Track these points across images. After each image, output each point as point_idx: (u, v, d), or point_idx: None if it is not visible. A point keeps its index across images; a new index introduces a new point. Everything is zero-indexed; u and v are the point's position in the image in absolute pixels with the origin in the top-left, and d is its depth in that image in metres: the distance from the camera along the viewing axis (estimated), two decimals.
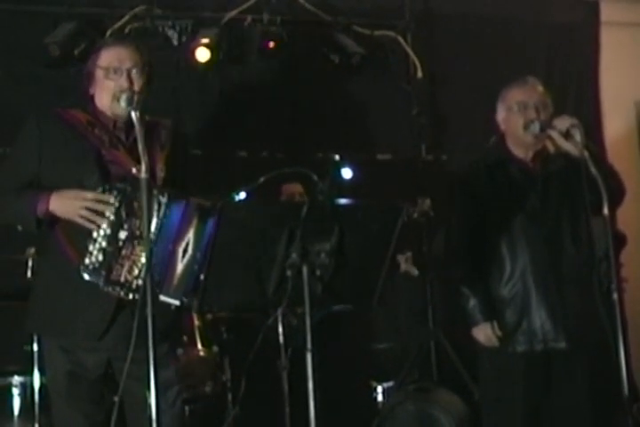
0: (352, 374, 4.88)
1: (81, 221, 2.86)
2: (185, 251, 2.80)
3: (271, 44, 5.07)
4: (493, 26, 5.60)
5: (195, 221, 2.81)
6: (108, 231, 2.84)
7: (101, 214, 2.84)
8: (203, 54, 5.05)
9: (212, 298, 2.75)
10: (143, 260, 2.75)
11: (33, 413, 3.96)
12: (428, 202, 4.73)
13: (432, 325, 5.06)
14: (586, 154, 3.28)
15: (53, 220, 2.95)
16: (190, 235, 2.80)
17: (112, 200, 2.85)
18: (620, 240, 3.70)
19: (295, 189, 4.27)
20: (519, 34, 5.63)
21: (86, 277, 2.83)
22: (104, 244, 2.84)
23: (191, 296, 2.73)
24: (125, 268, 2.82)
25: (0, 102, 4.78)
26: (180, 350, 4.06)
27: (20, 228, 3.12)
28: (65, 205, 2.89)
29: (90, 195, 2.86)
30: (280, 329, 4.21)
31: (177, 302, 2.79)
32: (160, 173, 2.98)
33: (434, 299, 5.11)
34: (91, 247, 2.84)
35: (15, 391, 4.08)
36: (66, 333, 2.96)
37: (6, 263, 4.14)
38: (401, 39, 5.38)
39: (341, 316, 4.73)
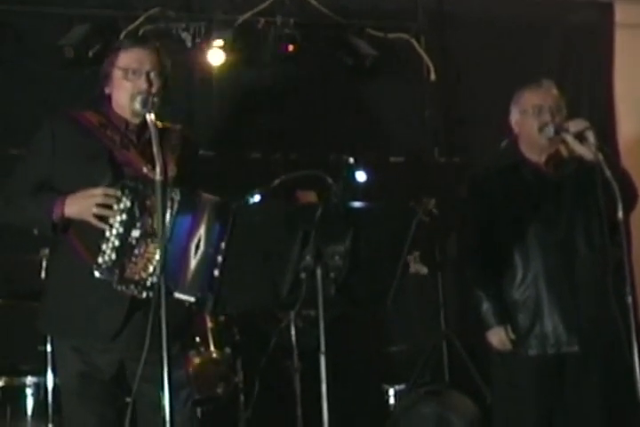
0: (364, 376, 4.88)
1: (94, 221, 2.87)
2: (197, 247, 2.82)
3: (290, 48, 5.08)
4: (507, 28, 5.58)
5: (205, 217, 2.83)
6: (121, 230, 2.85)
7: (111, 208, 2.85)
8: (216, 56, 5.07)
9: (226, 299, 2.76)
10: (157, 257, 2.76)
11: (46, 413, 3.97)
12: (432, 201, 4.74)
13: (444, 327, 5.05)
14: (600, 157, 3.28)
15: (68, 223, 2.97)
16: (202, 231, 2.82)
17: (120, 195, 2.85)
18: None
19: (309, 197, 4.27)
20: (533, 36, 5.61)
21: (99, 276, 2.83)
22: (117, 242, 2.85)
23: (205, 295, 2.74)
24: (139, 266, 2.83)
25: (15, 103, 4.80)
26: (192, 352, 4.06)
27: (35, 231, 3.15)
28: (78, 206, 2.91)
29: (98, 190, 2.88)
30: (292, 331, 4.21)
31: (192, 299, 2.81)
32: (171, 173, 2.98)
33: (446, 300, 5.11)
34: (104, 246, 2.85)
35: (28, 391, 4.09)
36: (79, 333, 2.97)
37: (20, 264, 4.16)
38: (414, 42, 5.37)
39: (353, 318, 4.74)
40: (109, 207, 2.86)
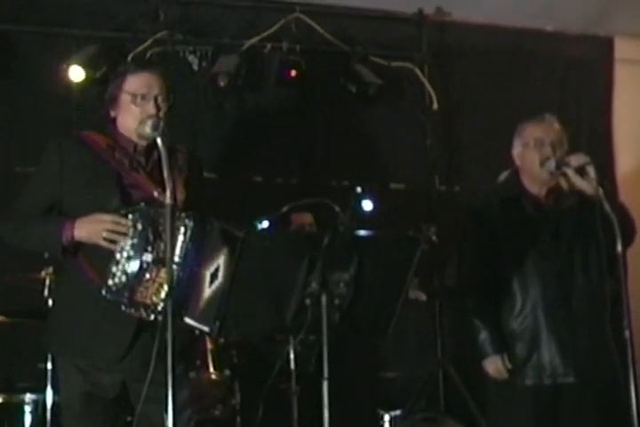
0: (359, 402, 4.88)
1: (105, 243, 2.90)
2: (214, 276, 2.83)
3: (293, 73, 5.14)
4: (509, 59, 5.66)
5: (226, 248, 2.84)
6: (132, 253, 2.89)
7: (122, 234, 2.88)
8: (221, 80, 5.12)
9: (231, 324, 2.78)
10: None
11: None
12: (433, 229, 4.76)
13: (440, 354, 5.08)
14: (600, 192, 3.34)
15: (78, 246, 2.99)
16: (221, 261, 2.83)
17: (131, 222, 2.88)
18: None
19: (305, 219, 4.30)
20: (534, 68, 5.69)
21: (109, 297, 2.86)
22: (127, 266, 2.88)
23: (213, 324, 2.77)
24: (151, 290, 2.86)
25: (21, 122, 4.84)
26: (192, 373, 4.08)
27: (46, 255, 3.17)
28: (88, 230, 2.93)
29: (108, 217, 2.91)
30: (292, 356, 4.23)
31: (205, 329, 2.83)
32: (180, 196, 3.02)
33: (442, 328, 5.14)
34: (114, 269, 2.88)
35: (27, 409, 4.09)
36: (85, 354, 2.99)
37: (22, 281, 4.18)
38: (417, 70, 5.44)
39: (350, 343, 4.76)
40: (121, 233, 2.89)
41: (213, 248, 2.86)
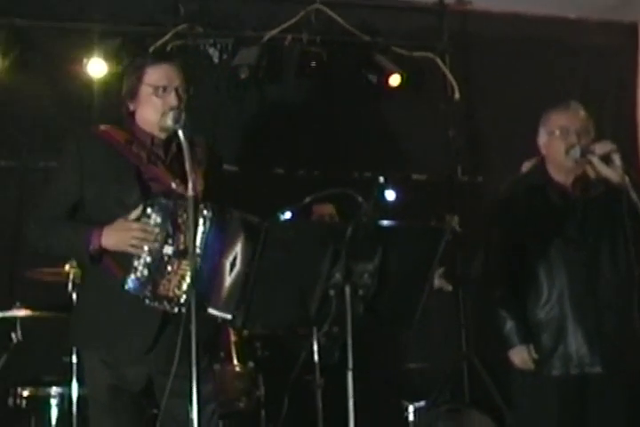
0: (384, 393, 4.88)
1: (132, 250, 2.90)
2: (233, 264, 2.84)
3: (313, 64, 5.12)
4: (531, 48, 5.62)
5: (242, 236, 2.85)
6: (152, 246, 2.89)
7: (149, 240, 2.88)
8: (242, 72, 5.11)
9: (256, 316, 2.79)
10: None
11: (71, 423, 3.99)
12: (456, 219, 4.75)
13: (465, 345, 5.06)
14: (626, 180, 3.30)
15: (104, 252, 2.98)
16: (238, 249, 2.85)
17: (151, 212, 2.88)
18: None
19: (326, 210, 4.28)
20: (557, 56, 5.65)
21: (132, 291, 2.86)
22: (149, 259, 2.88)
23: (236, 313, 2.77)
24: (173, 283, 2.86)
25: (46, 118, 4.87)
26: (216, 366, 4.08)
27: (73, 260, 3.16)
28: (116, 239, 2.92)
29: (136, 225, 2.89)
30: (315, 348, 4.22)
31: (228, 316, 2.83)
32: (199, 188, 3.00)
33: (467, 319, 5.12)
34: (135, 263, 2.88)
35: (53, 402, 4.11)
36: (110, 348, 3.00)
37: (47, 276, 4.20)
38: (439, 60, 5.42)
39: (374, 334, 4.75)
40: (148, 240, 2.88)
41: (232, 237, 2.87)
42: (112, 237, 2.93)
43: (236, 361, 4.31)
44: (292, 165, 5.29)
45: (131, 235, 2.89)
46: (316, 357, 4.23)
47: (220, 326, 3.20)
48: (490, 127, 5.52)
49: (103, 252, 2.97)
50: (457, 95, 5.38)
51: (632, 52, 5.79)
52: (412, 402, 4.74)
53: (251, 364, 4.35)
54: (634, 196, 3.24)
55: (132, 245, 2.89)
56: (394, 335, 4.93)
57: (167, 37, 5.00)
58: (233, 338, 4.32)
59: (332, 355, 4.01)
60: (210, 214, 2.87)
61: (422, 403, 4.74)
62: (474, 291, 5.02)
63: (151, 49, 4.95)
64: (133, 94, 3.11)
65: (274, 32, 5.17)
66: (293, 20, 5.16)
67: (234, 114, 5.20)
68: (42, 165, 4.78)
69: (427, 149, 5.42)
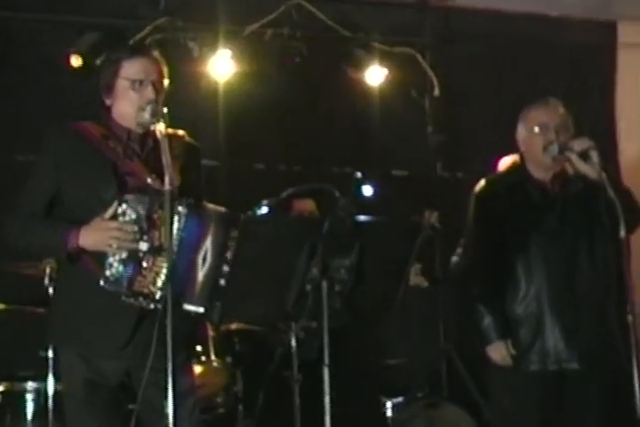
0: (362, 388, 4.89)
1: (111, 250, 2.88)
2: (204, 259, 2.84)
3: (294, 59, 5.12)
4: (512, 45, 5.64)
5: (212, 229, 2.85)
6: (127, 243, 2.87)
7: (127, 240, 2.86)
8: (222, 66, 5.10)
9: (232, 309, 2.78)
10: (166, 271, 2.78)
11: (46, 418, 3.97)
12: (435, 215, 4.75)
13: (443, 340, 5.07)
14: (604, 176, 3.31)
15: (82, 251, 2.96)
16: (208, 243, 2.84)
17: (125, 208, 2.86)
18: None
19: (306, 205, 4.29)
20: (537, 53, 5.67)
21: (107, 288, 2.85)
22: (124, 255, 2.87)
23: (212, 306, 2.76)
24: (148, 279, 2.85)
25: (24, 111, 4.83)
26: (193, 360, 4.07)
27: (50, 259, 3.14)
28: (94, 239, 2.90)
29: (113, 224, 2.87)
30: (293, 343, 4.23)
31: (201, 310, 2.83)
32: (176, 183, 2.98)
33: (445, 315, 5.13)
34: (111, 260, 2.86)
35: (29, 397, 4.09)
36: (87, 344, 2.97)
37: (24, 270, 4.17)
38: (419, 56, 5.42)
39: (352, 330, 4.76)
40: (127, 240, 2.86)
41: (204, 232, 2.86)
42: (90, 238, 2.90)
43: (213, 356, 4.30)
44: (273, 161, 5.28)
45: (109, 235, 2.87)
46: (294, 352, 4.25)
47: (198, 322, 3.17)
48: (470, 124, 5.54)
49: (81, 251, 2.95)
50: (437, 91, 5.39)
51: (611, 51, 5.81)
52: (390, 398, 4.75)
53: (229, 359, 4.35)
54: (611, 192, 3.25)
55: (110, 245, 2.87)
56: (372, 331, 4.94)
57: (147, 31, 4.98)
58: (211, 333, 4.31)
59: (311, 351, 4.01)
60: (185, 211, 2.85)
61: (400, 399, 4.75)
62: (453, 287, 5.02)
63: (131, 42, 4.92)
64: (110, 89, 3.08)
65: (254, 26, 5.15)
66: (274, 15, 5.15)
67: (213, 108, 5.18)
68: (20, 158, 4.76)
69: (407, 145, 5.43)
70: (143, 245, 2.86)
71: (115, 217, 2.89)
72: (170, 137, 2.99)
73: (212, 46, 5.11)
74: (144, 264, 2.86)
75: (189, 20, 5.14)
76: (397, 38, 5.43)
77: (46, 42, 4.91)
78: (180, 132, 3.19)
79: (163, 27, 5.04)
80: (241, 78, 5.16)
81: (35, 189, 3.06)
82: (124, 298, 2.85)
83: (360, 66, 5.29)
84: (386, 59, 5.33)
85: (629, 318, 3.18)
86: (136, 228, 2.86)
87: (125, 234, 2.85)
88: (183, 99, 4.78)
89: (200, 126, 4.96)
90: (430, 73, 5.42)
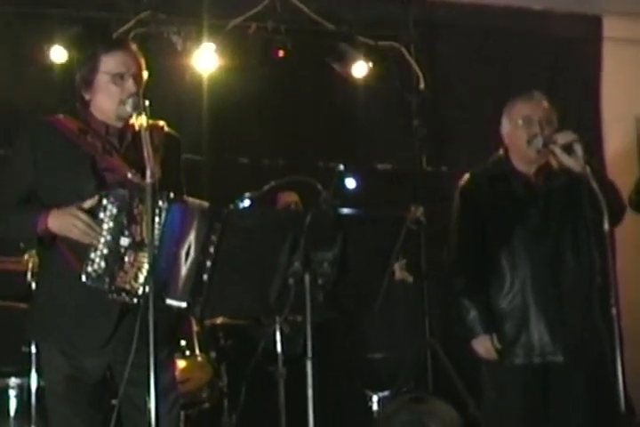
0: (347, 383, 4.89)
1: (75, 236, 2.86)
2: (187, 254, 2.83)
3: (278, 53, 5.09)
4: (496, 38, 5.64)
5: (195, 224, 2.84)
6: (109, 238, 2.85)
7: (90, 236, 2.84)
8: (206, 60, 5.07)
9: (214, 303, 2.77)
10: (147, 266, 2.76)
11: (29, 414, 3.95)
12: (420, 209, 4.75)
13: (428, 334, 5.07)
14: (588, 170, 3.31)
15: (54, 236, 2.94)
16: (192, 237, 2.83)
17: (106, 203, 2.84)
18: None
19: (290, 198, 4.28)
20: (522, 47, 5.67)
21: (89, 284, 2.83)
22: (105, 251, 2.84)
23: (194, 301, 2.75)
24: (130, 275, 2.83)
25: (5, 106, 4.79)
26: (178, 355, 4.05)
27: (22, 245, 3.12)
28: (60, 222, 2.88)
29: (84, 216, 2.85)
30: (278, 337, 4.21)
31: (183, 304, 2.82)
32: (156, 176, 2.96)
33: (430, 309, 5.13)
34: (92, 255, 2.84)
35: (12, 393, 4.06)
36: (68, 340, 2.96)
37: (6, 264, 4.14)
38: (404, 50, 5.40)
39: (337, 324, 4.75)
40: (94, 230, 2.85)
41: (187, 226, 2.85)
42: (57, 220, 2.89)
43: (197, 351, 4.29)
44: (257, 155, 5.26)
45: (73, 222, 2.85)
46: (278, 346, 4.23)
47: (182, 316, 3.16)
48: (455, 117, 5.53)
49: (53, 236, 2.93)
50: (422, 85, 5.37)
51: (596, 44, 5.81)
52: (375, 391, 4.75)
53: (213, 354, 4.33)
54: (595, 186, 3.25)
55: (72, 231, 2.85)
56: (357, 325, 4.94)
57: (130, 24, 4.94)
58: (195, 328, 4.29)
59: (296, 345, 4.01)
60: (165, 205, 2.84)
61: (386, 392, 4.74)
62: (440, 280, 5.02)
63: (114, 36, 4.88)
64: (89, 83, 3.05)
65: (238, 20, 5.12)
66: (258, 8, 5.12)
67: (197, 102, 5.15)
68: (1, 153, 4.72)
69: (391, 139, 5.42)
70: (124, 241, 2.84)
71: (95, 212, 2.86)
72: (150, 128, 2.95)
73: (196, 40, 5.07)
74: (126, 260, 2.84)
75: (173, 13, 5.10)
76: (382, 32, 5.40)
77: (28, 35, 4.86)
78: (160, 122, 3.16)
79: (146, 20, 5.00)
80: (225, 72, 5.13)
81: (10, 181, 3.04)
82: (106, 294, 2.83)
83: (345, 60, 5.26)
84: (371, 53, 5.30)
85: (613, 311, 3.18)
86: (111, 224, 2.83)
87: (90, 229, 2.84)
88: (167, 93, 4.79)
89: (184, 120, 4.97)
90: (415, 67, 5.39)
